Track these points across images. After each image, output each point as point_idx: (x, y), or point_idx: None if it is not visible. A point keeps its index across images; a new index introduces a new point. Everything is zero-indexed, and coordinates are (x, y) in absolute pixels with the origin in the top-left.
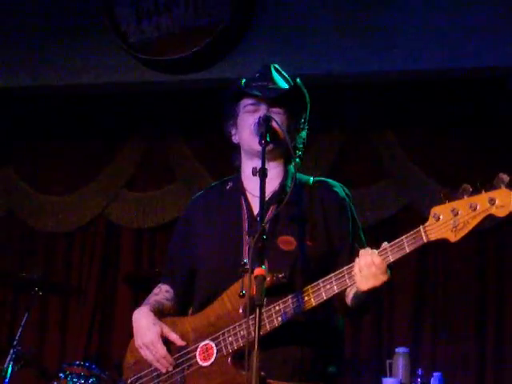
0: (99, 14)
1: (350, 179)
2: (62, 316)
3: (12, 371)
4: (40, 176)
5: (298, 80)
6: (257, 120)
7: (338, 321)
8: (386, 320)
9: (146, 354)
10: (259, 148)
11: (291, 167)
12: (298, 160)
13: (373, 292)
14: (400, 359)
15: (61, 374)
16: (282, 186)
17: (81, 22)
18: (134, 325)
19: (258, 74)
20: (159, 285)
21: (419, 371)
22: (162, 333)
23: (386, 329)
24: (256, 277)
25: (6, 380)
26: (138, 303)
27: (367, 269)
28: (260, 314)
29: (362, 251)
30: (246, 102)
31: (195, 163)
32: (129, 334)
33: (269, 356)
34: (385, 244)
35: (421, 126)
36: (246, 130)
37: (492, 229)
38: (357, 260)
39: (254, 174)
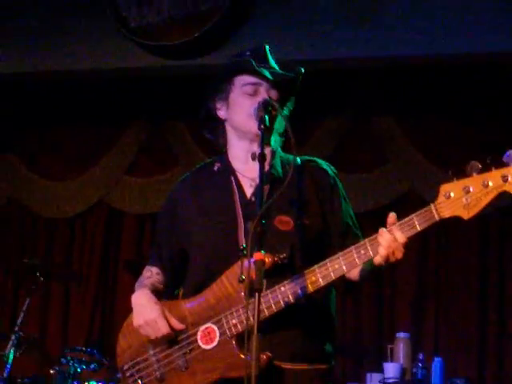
0: None
1: (351, 164)
2: (64, 302)
3: (14, 356)
4: (41, 162)
5: (302, 69)
6: (256, 105)
7: (332, 300)
8: (387, 305)
9: (147, 332)
10: (255, 131)
11: (276, 146)
12: (282, 139)
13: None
14: (401, 344)
15: (62, 359)
16: (271, 165)
17: (81, 7)
18: (134, 305)
19: (249, 53)
20: (148, 267)
21: (420, 356)
22: (163, 313)
23: (387, 314)
24: (255, 261)
25: (8, 365)
26: None
27: (394, 245)
28: (259, 298)
29: (382, 229)
30: (246, 81)
31: (197, 148)
32: None
33: (270, 337)
34: (392, 216)
35: (422, 111)
36: (242, 112)
37: (494, 212)
38: (381, 238)
39: (253, 158)
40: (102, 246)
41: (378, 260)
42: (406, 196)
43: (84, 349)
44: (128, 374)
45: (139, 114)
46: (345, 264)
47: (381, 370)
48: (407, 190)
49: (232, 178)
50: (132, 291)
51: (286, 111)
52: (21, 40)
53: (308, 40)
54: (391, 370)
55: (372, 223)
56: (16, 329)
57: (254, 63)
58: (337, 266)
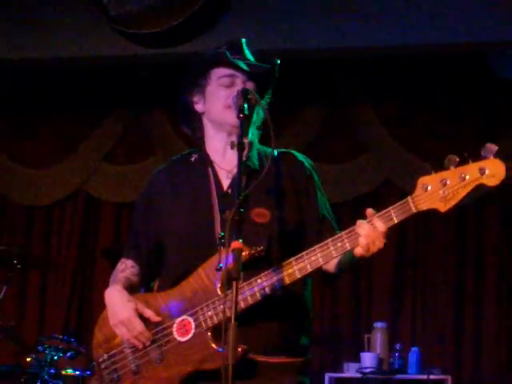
0: None
1: (329, 155)
2: (41, 289)
3: None
4: (19, 150)
5: (278, 60)
6: (234, 94)
7: (308, 293)
8: (365, 294)
9: (122, 332)
10: (233, 122)
11: (253, 138)
12: (260, 132)
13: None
14: (378, 334)
15: (39, 347)
16: (248, 157)
17: None
18: (108, 304)
19: (225, 46)
20: (122, 260)
21: (397, 346)
22: (137, 310)
23: (365, 303)
24: (233, 250)
25: None
26: None
27: (372, 238)
28: (237, 287)
29: (360, 221)
30: (221, 73)
31: (175, 137)
32: None
33: (246, 330)
34: (370, 211)
35: (399, 100)
36: (219, 104)
37: (471, 203)
38: (360, 229)
39: (231, 147)
40: (79, 234)
41: (358, 251)
42: (384, 186)
43: (61, 337)
44: (103, 367)
45: (118, 102)
46: (321, 256)
47: (358, 360)
48: (385, 179)
49: (209, 170)
50: (109, 279)
51: (264, 103)
52: (0, 25)
53: (288, 29)
54: (368, 359)
55: (350, 213)
56: None
57: (228, 55)
58: (313, 259)
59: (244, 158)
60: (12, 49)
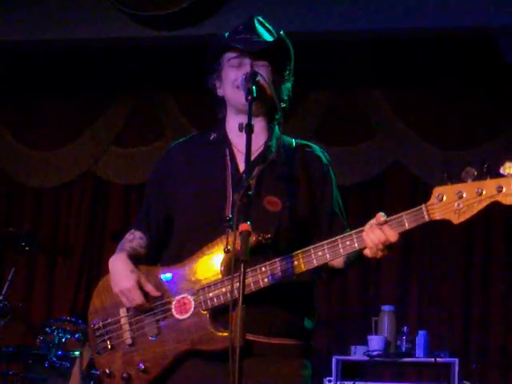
0: None
1: (337, 138)
2: (49, 271)
3: None
4: (27, 131)
5: (281, 32)
6: (243, 76)
7: (314, 279)
8: (373, 277)
9: (122, 300)
10: (242, 101)
11: (275, 126)
12: (281, 114)
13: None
14: (386, 317)
15: (47, 329)
16: (268, 146)
17: None
18: (111, 271)
19: (241, 27)
20: (132, 230)
21: (405, 329)
22: (138, 281)
23: (373, 286)
24: (241, 232)
25: None
26: None
27: (382, 245)
28: (245, 269)
29: (373, 227)
30: (230, 56)
31: (183, 119)
32: None
33: (249, 312)
34: (380, 215)
35: (407, 84)
36: (229, 85)
37: None
38: (372, 236)
39: (240, 129)
40: (88, 217)
41: (367, 253)
42: (392, 169)
43: (69, 318)
44: (97, 334)
45: (127, 84)
46: (329, 253)
47: (365, 343)
48: (393, 162)
49: (227, 151)
50: None
51: (288, 81)
52: (10, 7)
53: (296, 11)
54: (375, 342)
55: (357, 196)
56: (1, 298)
57: (231, 37)
58: (320, 254)
59: (262, 147)
60: (20, 31)
